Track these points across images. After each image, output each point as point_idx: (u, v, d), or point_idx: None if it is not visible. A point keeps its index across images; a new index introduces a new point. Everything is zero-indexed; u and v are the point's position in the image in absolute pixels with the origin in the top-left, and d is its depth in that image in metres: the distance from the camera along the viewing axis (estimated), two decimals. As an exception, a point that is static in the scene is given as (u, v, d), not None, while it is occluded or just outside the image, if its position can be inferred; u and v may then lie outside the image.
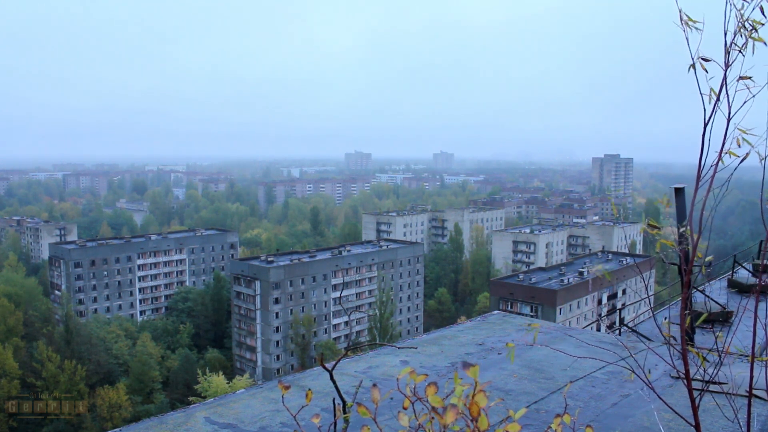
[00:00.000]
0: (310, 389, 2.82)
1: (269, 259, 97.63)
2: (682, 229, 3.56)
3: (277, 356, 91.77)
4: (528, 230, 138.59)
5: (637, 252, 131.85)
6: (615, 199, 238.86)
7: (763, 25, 3.18)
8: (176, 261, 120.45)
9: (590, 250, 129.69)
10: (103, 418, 68.77)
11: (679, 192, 9.32)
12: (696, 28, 3.20)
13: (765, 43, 3.21)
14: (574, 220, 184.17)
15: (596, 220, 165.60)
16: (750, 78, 3.17)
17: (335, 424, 2.73)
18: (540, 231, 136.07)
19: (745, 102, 3.20)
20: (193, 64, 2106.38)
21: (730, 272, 18.22)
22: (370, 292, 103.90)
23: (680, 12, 3.17)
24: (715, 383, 5.99)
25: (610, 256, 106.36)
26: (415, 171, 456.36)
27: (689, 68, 3.24)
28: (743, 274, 18.01)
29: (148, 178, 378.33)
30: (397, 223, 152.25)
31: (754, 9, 3.14)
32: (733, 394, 5.81)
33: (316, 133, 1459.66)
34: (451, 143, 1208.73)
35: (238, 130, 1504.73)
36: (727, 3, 3.17)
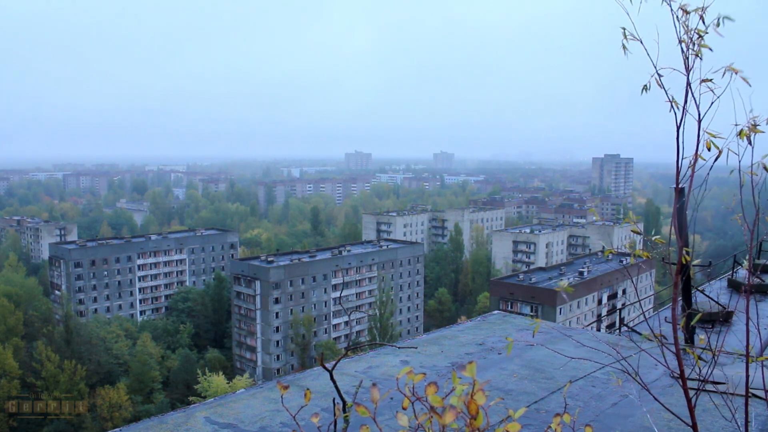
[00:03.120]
0: (308, 389, 2.83)
1: (269, 259, 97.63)
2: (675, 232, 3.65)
3: (277, 356, 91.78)
4: (528, 230, 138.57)
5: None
6: (615, 199, 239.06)
7: (707, 33, 3.30)
8: (176, 261, 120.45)
9: (590, 250, 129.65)
10: (103, 418, 68.77)
11: (680, 192, 9.33)
12: (627, 49, 3.33)
13: (710, 49, 3.34)
14: (574, 220, 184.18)
15: (596, 220, 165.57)
16: (711, 80, 3.30)
17: (335, 423, 2.74)
18: (540, 231, 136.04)
19: (712, 103, 3.31)
20: (201, 65, 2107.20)
21: (730, 272, 18.22)
22: (370, 292, 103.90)
23: (624, 30, 3.31)
24: (712, 383, 6.01)
25: (610, 256, 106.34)
26: (415, 171, 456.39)
27: (643, 90, 3.41)
28: (743, 274, 18.01)
29: (148, 178, 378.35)
30: (397, 223, 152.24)
31: (698, 20, 3.28)
32: (731, 394, 5.82)
33: (316, 133, 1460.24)
34: (451, 143, 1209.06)
35: (238, 130, 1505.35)
36: (672, 15, 3.30)
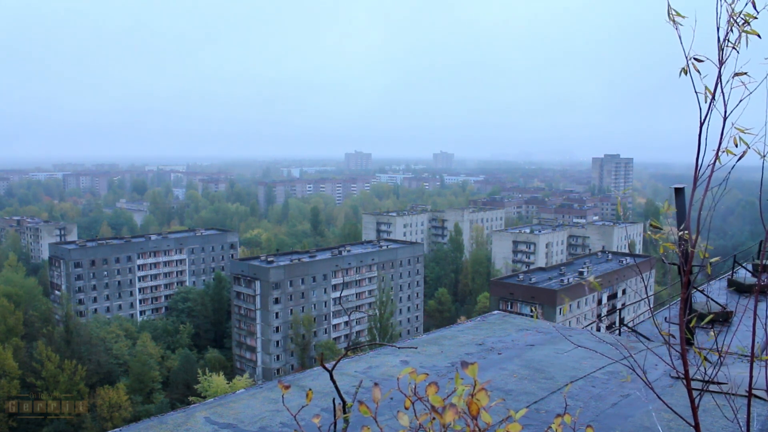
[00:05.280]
0: (310, 389, 2.82)
1: (269, 259, 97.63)
2: (681, 231, 3.54)
3: (277, 356, 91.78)
4: (528, 230, 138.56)
5: (637, 252, 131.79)
6: (615, 199, 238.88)
7: (756, 18, 3.10)
8: (176, 261, 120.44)
9: (590, 250, 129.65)
10: (103, 418, 68.77)
11: (679, 192, 9.34)
12: (680, 24, 3.14)
13: (759, 36, 3.14)
14: (574, 220, 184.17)
15: (596, 220, 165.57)
16: (746, 74, 3.11)
17: (335, 424, 2.73)
18: (540, 231, 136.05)
19: (741, 99, 3.14)
20: (206, 67, 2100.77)
21: (730, 272, 18.22)
22: (370, 292, 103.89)
23: (668, 7, 3.12)
24: (714, 383, 5.99)
25: (610, 256, 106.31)
26: (415, 171, 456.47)
27: (681, 72, 3.18)
28: (743, 274, 18.01)
29: (148, 178, 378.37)
30: (397, 223, 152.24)
31: (747, 4, 3.08)
32: (733, 394, 5.81)
33: (316, 133, 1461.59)
34: (451, 143, 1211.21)
35: (238, 130, 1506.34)
36: None
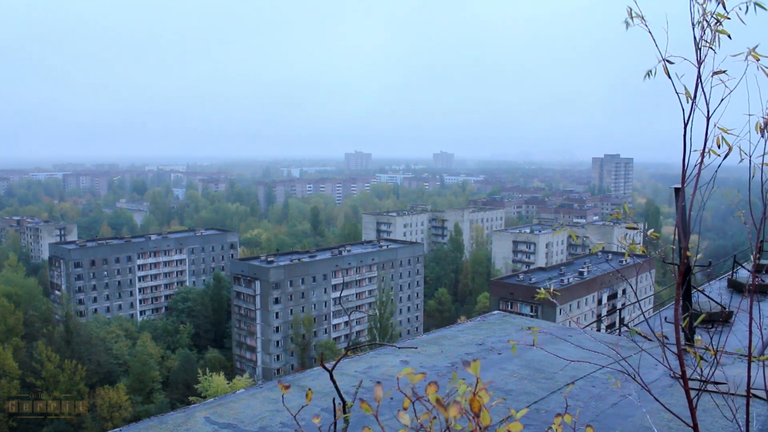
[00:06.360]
0: (310, 389, 2.83)
1: (269, 259, 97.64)
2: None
3: (277, 356, 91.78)
4: (528, 230, 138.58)
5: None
6: (615, 199, 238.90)
7: (728, 18, 3.08)
8: (176, 261, 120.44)
9: (590, 250, 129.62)
10: (103, 418, 68.78)
11: (679, 192, 9.35)
12: (632, 25, 3.12)
13: (729, 36, 3.12)
14: (574, 220, 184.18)
15: (596, 220, 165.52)
16: (724, 72, 3.09)
17: (335, 424, 2.74)
18: (540, 231, 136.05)
19: (723, 98, 3.12)
20: (207, 67, 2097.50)
21: (730, 272, 18.22)
22: (370, 292, 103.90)
23: (629, 9, 3.10)
24: (713, 383, 6.00)
25: (610, 255, 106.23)
26: (415, 171, 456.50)
27: (646, 75, 3.17)
28: (743, 274, 18.01)
29: (148, 178, 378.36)
30: (397, 223, 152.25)
31: (718, 4, 3.08)
32: (732, 394, 5.81)
33: (316, 133, 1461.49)
34: (451, 143, 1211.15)
35: (238, 130, 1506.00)
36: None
